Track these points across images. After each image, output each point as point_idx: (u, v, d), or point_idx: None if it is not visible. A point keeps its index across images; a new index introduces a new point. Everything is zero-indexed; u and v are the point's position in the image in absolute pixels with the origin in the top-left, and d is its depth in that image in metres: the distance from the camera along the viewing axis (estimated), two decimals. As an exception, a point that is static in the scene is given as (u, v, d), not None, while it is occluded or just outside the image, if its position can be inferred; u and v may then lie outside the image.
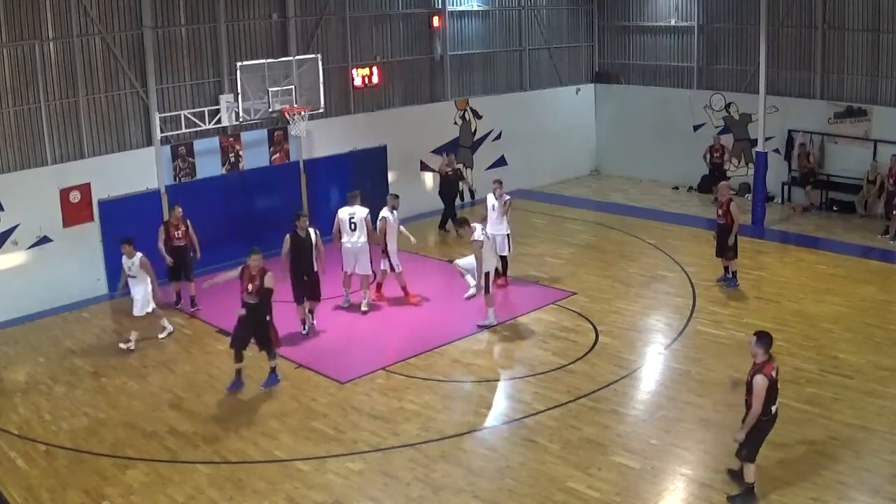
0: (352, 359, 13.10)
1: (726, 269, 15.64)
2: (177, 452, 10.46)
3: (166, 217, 15.72)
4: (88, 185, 15.99)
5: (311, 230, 13.70)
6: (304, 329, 13.89)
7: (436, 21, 21.49)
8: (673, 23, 23.84)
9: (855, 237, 18.54)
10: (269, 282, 11.64)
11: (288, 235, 13.65)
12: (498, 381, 12.34)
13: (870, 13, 19.96)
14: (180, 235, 15.01)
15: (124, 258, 13.53)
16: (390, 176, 20.52)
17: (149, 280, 13.51)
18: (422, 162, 21.45)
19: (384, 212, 14.97)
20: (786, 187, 21.47)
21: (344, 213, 14.83)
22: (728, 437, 10.30)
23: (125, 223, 16.31)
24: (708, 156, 22.34)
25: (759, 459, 9.71)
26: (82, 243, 16.01)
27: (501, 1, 23.25)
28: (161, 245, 14.94)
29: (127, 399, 12.01)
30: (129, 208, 16.42)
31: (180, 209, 15.10)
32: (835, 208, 20.58)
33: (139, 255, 13.44)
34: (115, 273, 16.31)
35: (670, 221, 20.24)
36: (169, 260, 15.06)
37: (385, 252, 14.93)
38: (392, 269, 15.02)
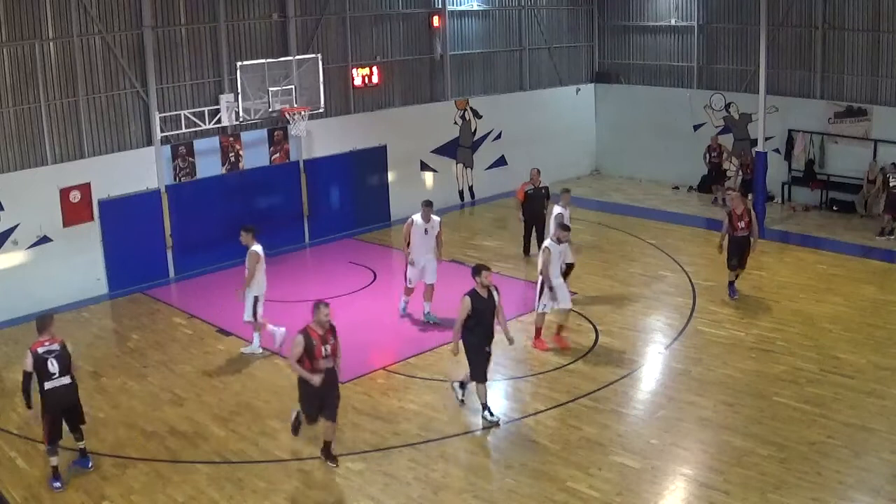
0: (352, 359, 13.06)
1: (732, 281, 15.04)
2: (177, 452, 10.46)
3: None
4: (88, 184, 15.97)
5: (493, 287, 10.79)
6: (460, 398, 11.33)
7: (436, 21, 21.47)
8: (673, 23, 23.83)
9: (855, 237, 18.52)
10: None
11: (467, 297, 10.58)
12: (498, 381, 12.33)
13: (870, 13, 19.95)
14: (328, 352, 9.52)
15: None
16: (390, 176, 20.52)
17: None
18: (422, 162, 21.48)
19: (546, 241, 12.91)
20: (786, 187, 21.48)
21: (419, 220, 13.95)
22: (728, 436, 10.33)
23: (125, 223, 16.40)
24: (707, 156, 22.34)
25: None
26: (82, 243, 15.98)
27: (501, 1, 23.23)
28: (300, 369, 9.54)
29: (127, 399, 12.00)
30: (129, 208, 16.45)
31: (328, 309, 9.52)
32: (835, 208, 20.57)
33: None
34: (114, 272, 16.40)
35: (670, 221, 20.23)
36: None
37: (549, 286, 12.64)
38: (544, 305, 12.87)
